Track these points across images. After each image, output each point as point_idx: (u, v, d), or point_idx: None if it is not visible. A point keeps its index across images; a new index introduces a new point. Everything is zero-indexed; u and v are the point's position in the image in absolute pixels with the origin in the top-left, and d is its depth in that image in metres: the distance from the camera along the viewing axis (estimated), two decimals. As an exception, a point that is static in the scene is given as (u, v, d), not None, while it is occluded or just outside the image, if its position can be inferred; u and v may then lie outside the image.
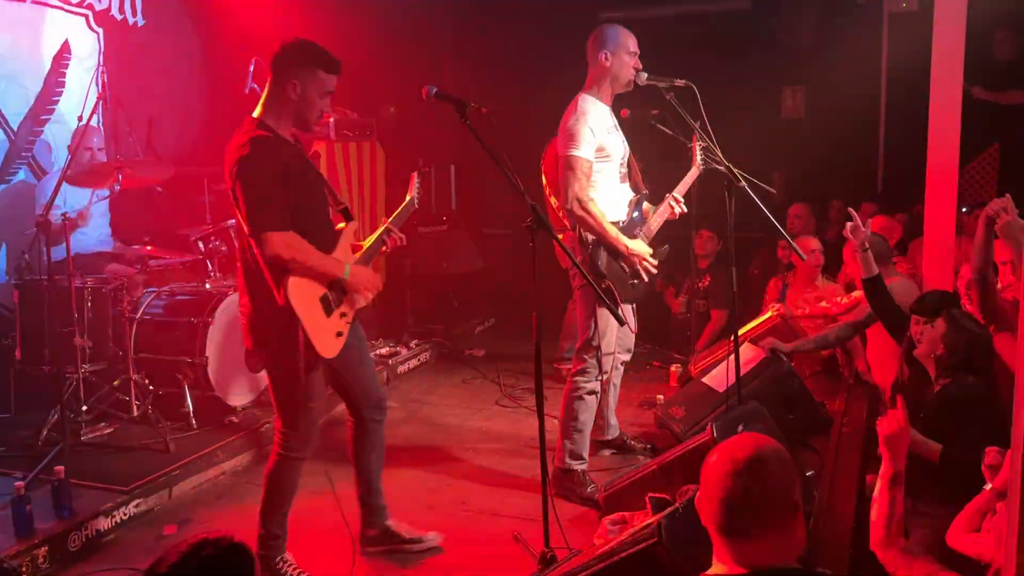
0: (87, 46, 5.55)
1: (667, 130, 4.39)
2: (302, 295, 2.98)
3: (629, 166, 4.06)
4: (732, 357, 3.69)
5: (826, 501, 3.35)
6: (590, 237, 3.82)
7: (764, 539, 1.70)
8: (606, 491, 3.75)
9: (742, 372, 3.76)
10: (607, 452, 4.48)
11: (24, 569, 3.24)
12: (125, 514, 3.72)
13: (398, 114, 7.07)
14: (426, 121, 6.96)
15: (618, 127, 3.99)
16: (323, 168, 6.00)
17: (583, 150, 3.75)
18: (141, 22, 5.83)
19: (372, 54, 6.52)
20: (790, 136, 7.51)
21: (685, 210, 4.08)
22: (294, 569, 3.23)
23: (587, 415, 4.00)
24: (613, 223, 3.85)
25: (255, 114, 3.07)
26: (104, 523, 3.62)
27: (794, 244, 4.27)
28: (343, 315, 3.15)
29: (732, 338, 3.71)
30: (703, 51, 7.06)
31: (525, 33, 7.48)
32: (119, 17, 5.70)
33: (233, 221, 4.90)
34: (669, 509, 2.51)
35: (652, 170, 5.76)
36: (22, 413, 4.55)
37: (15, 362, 4.49)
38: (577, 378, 3.99)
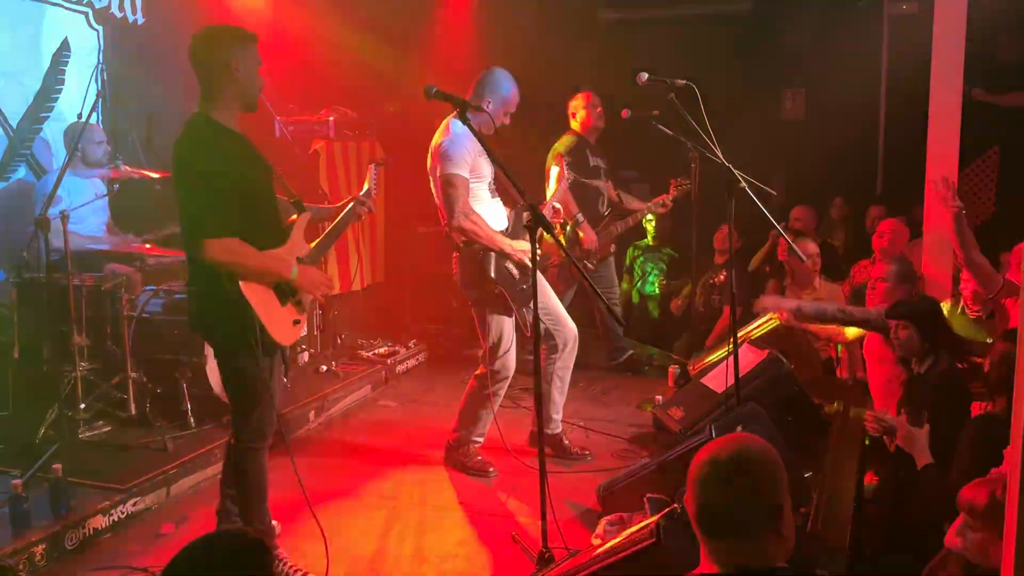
0: (87, 44, 5.55)
1: (667, 130, 4.39)
2: (254, 283, 2.94)
3: (498, 182, 4.25)
4: (731, 358, 3.68)
5: (824, 502, 3.35)
6: (478, 247, 4.03)
7: (749, 539, 1.70)
8: (605, 491, 3.75)
9: (741, 373, 3.76)
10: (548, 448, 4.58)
11: (21, 567, 3.23)
12: (122, 513, 3.71)
13: (398, 113, 7.07)
14: (426, 120, 6.95)
15: (483, 150, 4.13)
16: (322, 167, 6.00)
17: (461, 169, 3.96)
18: (141, 20, 5.82)
19: (371, 53, 6.53)
20: (790, 138, 7.51)
21: (560, 209, 4.50)
22: (286, 565, 3.22)
23: (486, 411, 4.29)
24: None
25: (199, 108, 3.00)
26: (101, 522, 3.61)
27: (794, 246, 4.27)
28: (298, 303, 3.13)
29: (731, 339, 3.71)
30: (704, 52, 7.06)
31: (525, 32, 7.48)
32: (119, 15, 5.69)
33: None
34: (667, 509, 2.51)
35: (651, 168, 5.76)
36: (20, 411, 4.54)
37: (13, 360, 4.48)
38: (488, 382, 4.21)
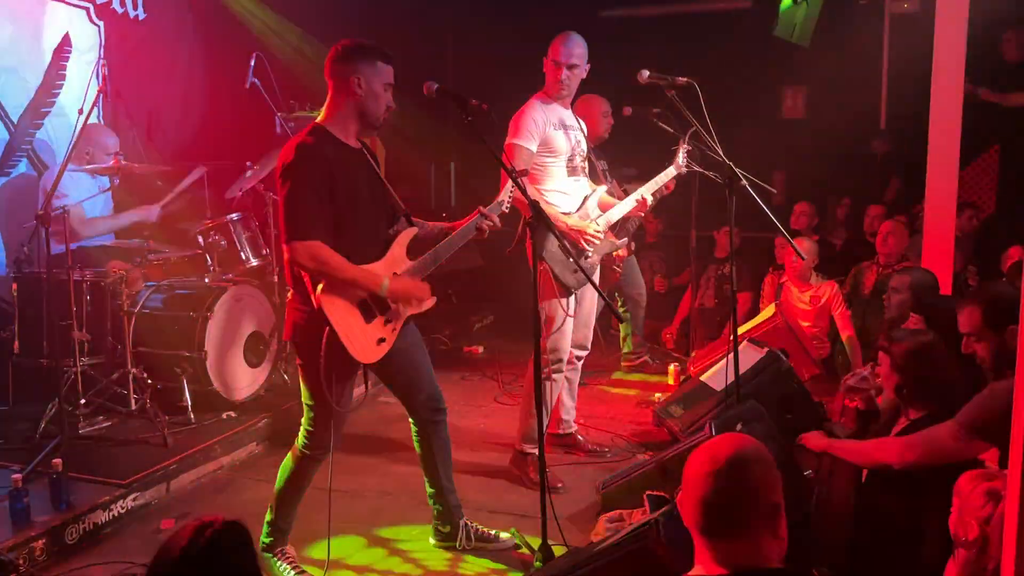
0: (88, 39, 5.54)
1: (667, 128, 4.39)
2: (337, 299, 2.92)
3: (590, 164, 4.23)
4: (731, 356, 3.69)
5: (824, 501, 3.35)
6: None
7: (743, 540, 1.70)
8: (604, 488, 3.76)
9: (741, 371, 3.76)
10: (560, 448, 4.52)
11: (21, 562, 3.24)
12: (123, 508, 3.72)
13: (399, 110, 7.07)
14: (428, 117, 6.96)
15: (572, 127, 4.14)
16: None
17: (524, 140, 3.96)
18: (142, 16, 5.82)
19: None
20: (791, 136, 7.51)
21: (651, 205, 4.20)
22: (291, 562, 3.23)
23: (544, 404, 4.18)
24: (564, 214, 4.02)
25: (318, 119, 3.05)
26: (102, 516, 3.62)
27: (793, 243, 4.28)
28: (387, 321, 3.07)
29: (732, 337, 3.71)
30: (704, 50, 7.06)
31: (526, 30, 7.48)
32: (120, 10, 5.69)
33: (236, 215, 4.95)
34: (667, 507, 2.51)
35: (652, 166, 5.74)
36: (20, 406, 4.55)
37: (13, 355, 4.49)
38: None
